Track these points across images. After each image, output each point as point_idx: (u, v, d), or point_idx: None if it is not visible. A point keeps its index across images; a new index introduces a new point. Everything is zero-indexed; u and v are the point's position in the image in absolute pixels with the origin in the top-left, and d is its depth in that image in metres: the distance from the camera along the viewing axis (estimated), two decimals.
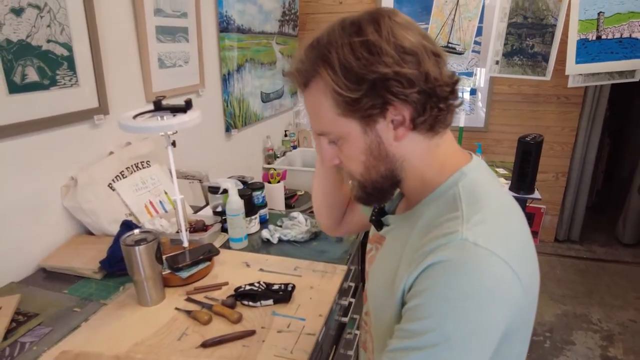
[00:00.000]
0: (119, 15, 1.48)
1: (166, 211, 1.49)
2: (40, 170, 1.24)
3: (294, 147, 3.09)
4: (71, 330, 0.95)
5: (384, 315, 0.60)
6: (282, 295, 1.05)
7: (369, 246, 0.76)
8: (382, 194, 0.64)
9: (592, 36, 2.37)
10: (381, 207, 0.73)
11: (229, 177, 1.47)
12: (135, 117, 0.94)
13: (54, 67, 1.23)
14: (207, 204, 1.72)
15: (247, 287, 1.06)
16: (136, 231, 1.04)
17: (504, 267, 0.49)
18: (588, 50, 2.39)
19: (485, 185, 0.59)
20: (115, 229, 1.31)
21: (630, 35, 2.33)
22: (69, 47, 1.27)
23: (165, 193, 1.52)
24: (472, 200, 0.55)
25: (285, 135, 3.07)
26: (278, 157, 2.87)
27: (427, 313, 0.49)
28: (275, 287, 1.07)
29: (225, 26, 2.12)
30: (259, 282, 1.09)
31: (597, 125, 2.85)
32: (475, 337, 0.48)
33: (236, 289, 1.07)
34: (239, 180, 1.47)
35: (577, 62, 2.41)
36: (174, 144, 1.12)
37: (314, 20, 3.17)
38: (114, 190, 1.37)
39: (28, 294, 1.10)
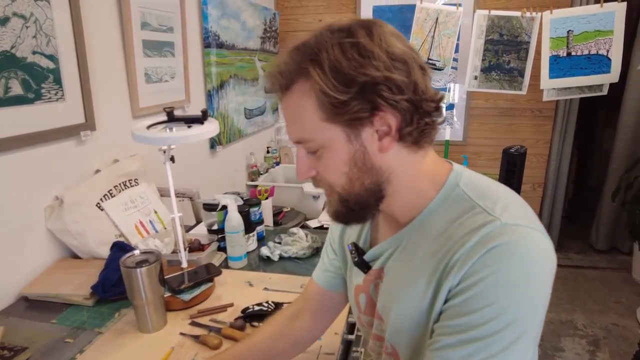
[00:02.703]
0: (106, 27, 1.43)
1: (157, 231, 1.42)
2: (22, 190, 1.15)
3: (277, 164, 3.05)
4: None
5: (418, 336, 0.58)
6: None
7: (361, 297, 0.70)
8: (364, 209, 0.59)
9: (562, 52, 2.50)
10: (358, 248, 0.68)
11: (224, 193, 1.41)
12: (149, 127, 0.89)
13: (39, 80, 1.16)
14: (197, 222, 1.65)
15: (256, 308, 1.01)
16: (136, 252, 0.97)
17: (545, 241, 0.51)
18: (560, 66, 2.51)
19: (481, 179, 0.60)
20: (104, 251, 1.23)
21: (597, 52, 2.48)
22: (55, 60, 1.20)
23: (155, 212, 1.45)
24: (481, 194, 0.56)
25: (268, 152, 3.03)
26: (262, 174, 2.83)
27: (487, 302, 0.48)
28: (285, 306, 1.03)
29: (209, 42, 2.09)
30: (267, 302, 1.04)
31: (568, 137, 2.98)
32: (535, 314, 0.50)
33: (244, 310, 1.02)
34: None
35: (550, 77, 2.53)
36: (172, 159, 1.07)
37: (293, 37, 3.15)
38: (102, 210, 1.28)
39: (10, 325, 1.00)
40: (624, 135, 3.02)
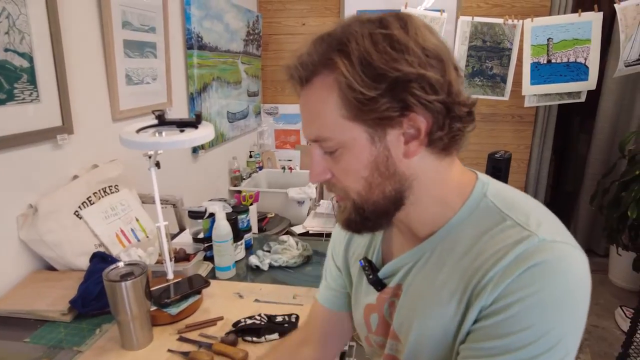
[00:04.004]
0: (85, 25, 1.35)
1: (139, 240, 1.35)
2: None
3: (260, 169, 3.00)
4: None
5: (440, 357, 0.54)
6: (287, 327, 0.96)
7: (372, 316, 0.65)
8: (380, 218, 0.55)
9: (543, 60, 2.55)
10: (372, 264, 0.63)
11: (210, 200, 1.36)
12: (138, 131, 0.83)
13: (11, 79, 1.08)
14: (181, 230, 1.58)
15: (249, 321, 0.96)
16: (120, 264, 0.91)
17: (584, 258, 0.48)
18: (540, 73, 2.56)
19: (508, 189, 0.56)
20: (83, 262, 1.15)
21: (575, 59, 2.54)
22: (29, 58, 1.12)
23: (137, 220, 1.38)
24: (510, 206, 0.52)
25: (250, 156, 2.97)
26: (244, 179, 2.76)
27: (527, 323, 0.45)
28: (279, 318, 0.98)
29: (192, 43, 2.02)
30: (259, 315, 0.99)
31: (548, 142, 3.04)
32: (577, 335, 0.47)
33: (235, 324, 0.97)
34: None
35: (531, 84, 2.57)
36: (158, 165, 1.01)
37: (276, 41, 3.15)
38: (80, 218, 1.21)
39: None
40: (599, 142, 3.10)
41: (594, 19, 2.45)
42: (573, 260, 0.47)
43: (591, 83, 2.54)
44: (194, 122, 0.84)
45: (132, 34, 1.55)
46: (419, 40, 0.47)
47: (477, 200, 0.54)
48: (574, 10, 2.62)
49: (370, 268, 0.62)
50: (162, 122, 0.85)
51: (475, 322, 0.49)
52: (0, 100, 1.05)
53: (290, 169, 2.99)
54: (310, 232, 2.40)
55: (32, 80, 1.14)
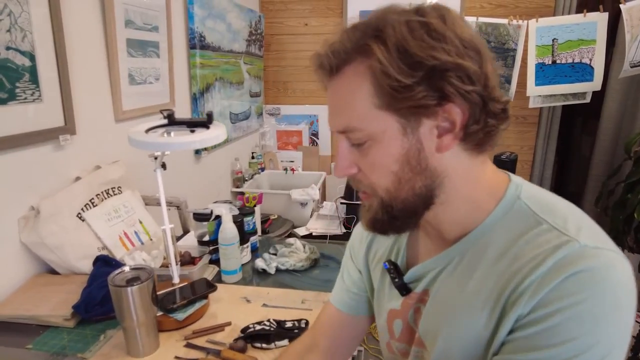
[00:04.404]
0: (88, 23, 1.33)
1: (142, 243, 1.32)
2: None
3: (262, 170, 2.97)
4: None
5: None
6: (297, 333, 0.93)
7: (396, 322, 0.62)
8: (409, 218, 0.52)
9: (548, 60, 2.53)
10: (397, 268, 0.61)
11: (215, 202, 1.33)
12: (147, 131, 0.80)
13: (13, 78, 1.05)
14: (185, 232, 1.56)
15: (258, 327, 0.93)
16: (126, 268, 0.88)
17: (628, 265, 0.46)
18: (545, 74, 2.54)
19: (542, 192, 0.54)
20: (85, 265, 1.13)
21: (580, 60, 2.52)
22: (31, 57, 1.10)
23: (141, 222, 1.35)
24: (546, 209, 0.50)
25: (253, 158, 2.95)
26: (246, 180, 2.74)
27: (571, 335, 0.42)
28: (288, 324, 0.95)
29: (195, 43, 2.00)
30: (268, 320, 0.96)
31: (552, 144, 3.02)
32: (624, 347, 0.44)
33: (244, 330, 0.94)
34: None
35: (536, 85, 2.55)
36: (164, 166, 0.99)
37: (278, 41, 3.12)
38: (83, 220, 1.18)
39: None
40: (603, 142, 3.08)
41: (600, 19, 2.43)
42: (618, 268, 0.44)
43: (596, 84, 2.52)
44: (205, 122, 0.81)
45: (135, 32, 1.52)
46: (456, 31, 0.46)
47: (510, 202, 0.51)
48: (578, 11, 2.60)
49: (396, 271, 0.60)
50: (172, 121, 0.82)
51: (511, 332, 0.46)
52: (2, 99, 1.03)
53: (293, 170, 2.96)
54: (313, 234, 2.38)
55: (34, 80, 1.11)
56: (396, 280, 0.59)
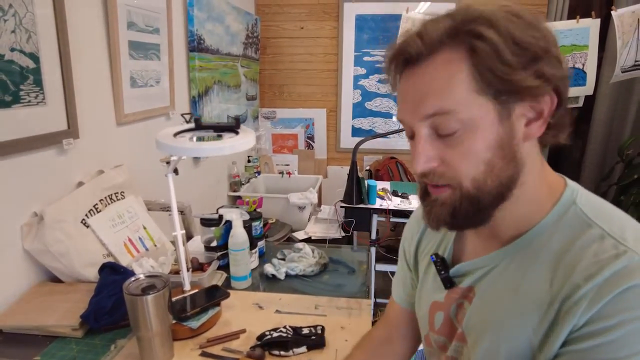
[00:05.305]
0: (91, 25, 1.30)
1: (147, 249, 1.29)
2: None
3: (258, 173, 2.95)
4: None
5: None
6: (315, 339, 0.92)
7: (438, 314, 0.62)
8: (490, 210, 0.50)
9: None
10: (444, 261, 0.61)
11: (221, 207, 1.31)
12: (175, 135, 0.78)
13: (17, 80, 1.02)
14: (189, 238, 1.53)
15: (275, 334, 0.92)
16: (141, 276, 0.86)
17: None
18: None
19: (598, 198, 0.53)
20: (91, 273, 1.10)
21: (574, 65, 2.56)
22: (35, 59, 1.06)
23: (145, 228, 1.32)
24: (603, 217, 0.49)
25: (249, 161, 2.92)
26: (243, 184, 2.71)
27: (634, 350, 0.41)
28: (305, 330, 0.94)
29: (194, 45, 1.98)
30: (285, 327, 0.95)
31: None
32: None
33: (260, 337, 0.92)
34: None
35: None
36: (176, 171, 0.97)
37: (274, 44, 3.11)
38: (88, 227, 1.15)
39: None
40: (594, 146, 3.14)
41: (592, 25, 2.48)
42: None
43: (589, 88, 2.57)
44: (233, 127, 0.79)
45: (137, 34, 1.49)
46: (540, 20, 0.47)
47: (566, 206, 0.51)
48: (569, 17, 2.66)
49: (442, 264, 0.60)
50: (199, 126, 0.80)
51: (566, 343, 0.45)
52: (6, 102, 0.99)
53: (289, 173, 2.95)
54: (312, 238, 2.37)
55: (39, 82, 1.08)
56: (442, 272, 0.59)
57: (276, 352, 0.89)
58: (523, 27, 0.46)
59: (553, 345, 0.46)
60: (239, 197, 2.50)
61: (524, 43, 0.45)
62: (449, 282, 0.59)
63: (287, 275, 1.23)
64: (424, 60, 0.48)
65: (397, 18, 2.67)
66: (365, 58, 3.05)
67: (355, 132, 3.20)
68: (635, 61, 2.47)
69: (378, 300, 2.35)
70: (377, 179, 2.80)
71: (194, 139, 0.79)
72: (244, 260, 1.15)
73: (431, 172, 0.50)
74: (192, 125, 0.81)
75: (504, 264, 0.53)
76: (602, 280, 0.43)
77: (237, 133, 0.78)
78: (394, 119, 3.15)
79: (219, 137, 0.79)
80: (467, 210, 0.49)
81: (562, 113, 0.49)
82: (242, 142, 0.75)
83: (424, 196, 0.54)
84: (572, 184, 0.54)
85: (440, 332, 0.62)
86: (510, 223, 0.53)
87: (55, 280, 1.12)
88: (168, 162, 0.94)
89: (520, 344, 0.49)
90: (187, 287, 1.02)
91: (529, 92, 0.46)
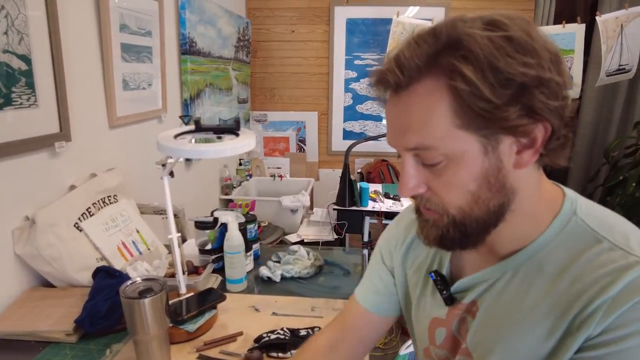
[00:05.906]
0: (83, 27, 1.29)
1: (140, 253, 1.28)
2: None
3: (249, 177, 2.94)
4: None
5: None
6: None
7: (439, 330, 0.61)
8: (482, 236, 0.50)
9: None
10: (443, 278, 0.60)
11: (215, 210, 1.30)
12: (176, 137, 0.78)
13: (9, 83, 1.01)
14: (182, 241, 1.52)
15: (273, 336, 0.92)
16: (137, 279, 0.85)
17: None
18: None
19: (598, 207, 0.53)
20: (84, 277, 1.09)
21: None
22: (27, 60, 1.05)
23: (138, 232, 1.31)
24: (606, 226, 0.49)
25: (240, 164, 2.92)
26: (235, 187, 2.70)
27: None
28: (302, 332, 0.94)
29: (186, 48, 1.97)
30: (282, 329, 0.95)
31: None
32: None
33: (257, 339, 0.92)
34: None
35: None
36: (172, 174, 0.96)
37: (265, 48, 3.11)
38: (81, 230, 1.13)
39: None
40: (580, 148, 3.21)
41: (577, 30, 2.53)
42: None
43: (575, 92, 2.62)
44: (233, 129, 0.79)
45: (129, 37, 1.49)
46: (538, 39, 0.44)
47: (566, 217, 0.51)
48: (556, 22, 2.71)
49: (443, 282, 0.59)
50: (199, 128, 0.80)
51: (579, 350, 0.45)
52: None
53: (281, 176, 2.95)
54: (305, 240, 2.37)
55: (31, 84, 1.06)
56: (444, 292, 0.58)
57: (274, 354, 0.89)
58: (513, 52, 0.42)
59: (564, 355, 0.46)
60: (231, 200, 2.50)
61: (509, 74, 0.41)
62: (450, 300, 0.58)
63: (283, 278, 1.23)
64: (404, 89, 0.46)
65: (387, 22, 2.69)
66: (356, 61, 3.07)
67: (347, 135, 3.22)
68: (620, 65, 2.54)
69: None
70: (368, 182, 2.82)
71: (194, 140, 0.79)
72: (239, 263, 1.15)
73: (419, 196, 0.51)
74: (192, 127, 0.81)
75: (507, 277, 0.53)
76: (615, 293, 0.44)
77: (237, 135, 0.78)
78: (384, 122, 3.17)
79: (219, 139, 0.79)
80: (454, 237, 0.50)
81: (561, 137, 0.46)
82: (243, 143, 0.75)
83: (418, 211, 0.54)
84: (570, 193, 0.53)
85: (442, 347, 0.62)
86: (507, 240, 0.53)
87: (48, 285, 1.10)
88: (163, 165, 0.94)
89: (527, 356, 0.49)
90: (183, 290, 1.02)
91: (515, 129, 0.44)
